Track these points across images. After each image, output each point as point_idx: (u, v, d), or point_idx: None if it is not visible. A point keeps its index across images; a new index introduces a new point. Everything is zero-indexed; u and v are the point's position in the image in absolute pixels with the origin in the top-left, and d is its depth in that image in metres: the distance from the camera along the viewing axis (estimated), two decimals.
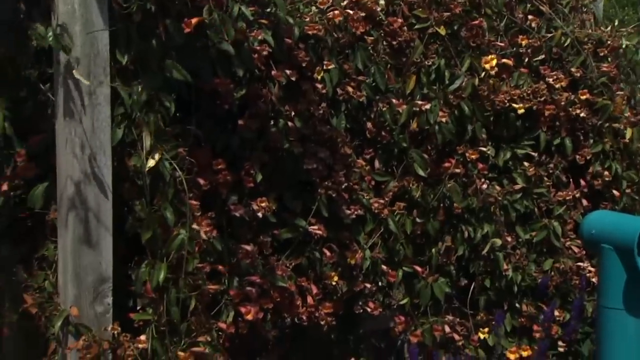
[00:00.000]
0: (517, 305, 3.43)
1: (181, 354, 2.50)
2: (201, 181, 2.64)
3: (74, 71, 2.27)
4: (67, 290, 2.40)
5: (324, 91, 3.07)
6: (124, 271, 2.55)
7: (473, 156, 3.33)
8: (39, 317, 2.47)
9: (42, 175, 2.52)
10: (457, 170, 3.31)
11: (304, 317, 2.96)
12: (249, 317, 2.78)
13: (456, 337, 3.26)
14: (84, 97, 2.29)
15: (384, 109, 3.23)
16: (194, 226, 2.53)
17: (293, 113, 2.94)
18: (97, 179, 2.36)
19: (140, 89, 2.42)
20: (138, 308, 2.54)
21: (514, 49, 3.55)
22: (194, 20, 2.47)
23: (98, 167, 2.35)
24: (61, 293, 2.43)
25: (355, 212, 3.12)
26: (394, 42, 3.30)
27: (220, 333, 2.69)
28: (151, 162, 2.43)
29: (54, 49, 2.28)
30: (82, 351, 2.36)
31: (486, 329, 3.35)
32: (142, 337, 2.45)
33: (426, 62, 3.34)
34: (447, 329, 3.25)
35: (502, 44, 3.51)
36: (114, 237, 2.45)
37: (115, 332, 2.43)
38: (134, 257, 2.56)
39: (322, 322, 3.00)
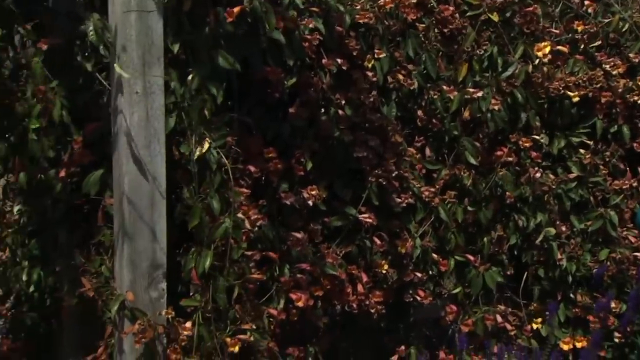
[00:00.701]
0: (571, 295, 3.39)
1: (228, 340, 2.54)
2: (252, 169, 2.68)
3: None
4: (123, 275, 2.46)
5: (374, 79, 3.08)
6: (175, 257, 2.61)
7: (526, 144, 3.30)
8: (96, 301, 2.53)
9: (98, 162, 2.58)
10: (510, 159, 3.29)
11: (354, 305, 2.98)
12: (300, 304, 2.81)
13: (508, 326, 3.25)
14: (139, 87, 2.33)
15: (435, 96, 3.23)
16: (239, 215, 2.56)
17: (343, 101, 2.96)
18: (151, 167, 2.40)
19: (190, 78, 2.46)
20: (191, 294, 2.60)
21: (570, 35, 3.51)
22: (236, 10, 2.50)
23: (152, 155, 2.40)
24: (117, 278, 2.48)
25: (406, 201, 3.13)
26: (446, 30, 3.30)
27: (271, 319, 2.73)
28: (199, 151, 2.48)
29: (111, 40, 2.35)
30: (137, 335, 2.40)
31: (539, 319, 3.32)
32: (188, 324, 2.50)
33: (478, 50, 3.33)
34: (499, 318, 3.23)
35: (556, 31, 3.48)
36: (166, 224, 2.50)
37: (169, 316, 2.48)
38: (183, 244, 2.61)
39: (372, 310, 3.01)
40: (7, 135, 2.76)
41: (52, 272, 2.93)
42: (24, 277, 2.97)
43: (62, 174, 2.66)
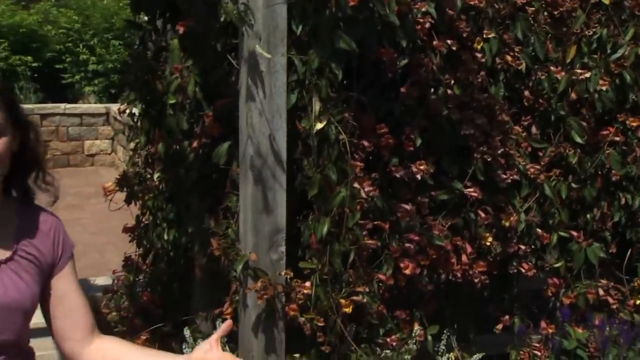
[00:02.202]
0: None
1: (342, 301, 2.58)
2: (365, 144, 2.71)
3: (256, 46, 2.38)
4: (247, 238, 2.54)
5: (483, 60, 3.06)
6: (294, 224, 2.67)
7: (634, 124, 3.20)
8: (223, 261, 2.62)
9: (226, 135, 2.67)
10: (617, 138, 3.20)
11: (459, 274, 2.98)
12: (407, 271, 2.84)
13: (610, 300, 3.17)
14: (263, 66, 2.40)
15: (543, 77, 3.17)
16: (355, 185, 2.59)
17: (452, 81, 2.95)
18: (273, 140, 2.47)
19: (312, 58, 2.51)
20: (307, 258, 2.66)
21: None
22: None
23: (274, 129, 2.47)
24: (242, 240, 2.57)
25: (511, 177, 3.10)
26: (555, 12, 3.22)
27: (380, 284, 2.77)
28: (319, 125, 2.52)
29: (239, 24, 2.43)
30: (259, 292, 2.49)
31: None
32: (307, 284, 2.57)
33: (587, 32, 3.24)
34: (601, 291, 3.16)
35: None
36: (286, 192, 2.56)
37: (288, 277, 2.56)
38: (302, 211, 2.67)
39: (476, 280, 3.01)
40: (149, 110, 2.91)
41: (185, 233, 3.05)
42: (165, 237, 3.12)
43: (195, 145, 2.76)
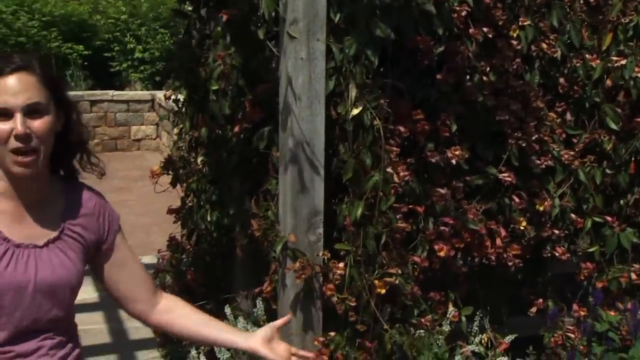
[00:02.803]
0: None
1: (376, 282, 2.59)
2: (401, 129, 2.71)
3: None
4: (286, 220, 2.56)
5: (518, 47, 3.02)
6: (331, 207, 2.68)
7: None
8: (263, 242, 2.65)
9: (266, 120, 2.69)
10: None
11: (493, 258, 2.97)
12: (442, 253, 2.83)
13: None
14: (303, 53, 2.41)
15: (578, 64, 3.12)
16: (389, 170, 2.59)
17: (488, 68, 2.93)
18: (312, 124, 2.48)
19: (349, 45, 2.51)
20: (344, 240, 2.68)
21: None
22: None
23: (313, 114, 2.47)
24: (281, 222, 2.59)
25: (545, 163, 3.07)
26: (591, 0, 3.16)
27: (415, 266, 2.77)
28: (355, 111, 2.52)
29: (280, 12, 2.44)
30: (298, 272, 2.51)
31: None
32: (341, 265, 2.57)
33: (623, 20, 3.17)
34: (634, 276, 3.12)
35: None
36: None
37: (325, 258, 2.57)
38: (338, 194, 2.68)
39: (510, 263, 2.99)
40: (193, 96, 2.93)
41: (227, 215, 3.08)
42: (208, 218, 3.16)
43: (236, 129, 2.78)
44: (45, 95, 1.52)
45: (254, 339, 1.71)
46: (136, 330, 3.16)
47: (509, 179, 2.97)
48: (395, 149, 2.66)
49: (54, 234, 1.60)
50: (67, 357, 1.63)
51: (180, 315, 1.75)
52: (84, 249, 1.65)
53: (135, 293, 1.71)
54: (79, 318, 1.68)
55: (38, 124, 1.49)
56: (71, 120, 1.62)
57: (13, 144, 1.47)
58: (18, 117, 1.47)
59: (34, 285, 1.54)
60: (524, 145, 2.98)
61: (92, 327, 3.20)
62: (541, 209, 3.04)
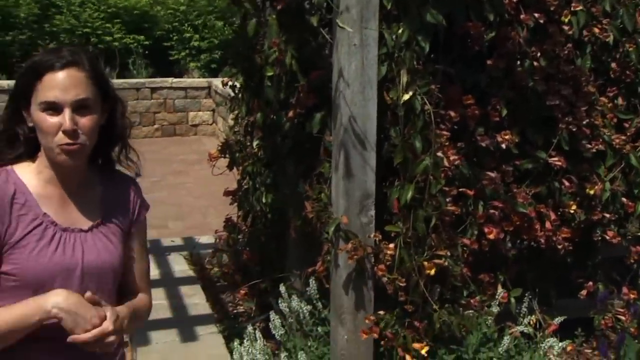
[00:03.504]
0: None
1: (425, 263, 2.57)
2: (452, 114, 2.67)
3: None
4: (339, 202, 2.55)
5: (570, 33, 2.94)
6: (382, 190, 2.66)
7: None
8: (316, 223, 2.65)
9: (320, 105, 2.68)
10: None
11: (542, 241, 2.92)
12: (491, 236, 2.80)
13: None
14: (356, 39, 2.39)
15: (630, 49, 3.03)
16: (439, 154, 2.55)
17: (539, 53, 2.86)
18: (364, 109, 2.46)
19: (401, 31, 2.48)
20: (394, 222, 2.65)
21: None
22: None
23: (365, 99, 2.45)
24: (334, 204, 2.58)
25: (596, 147, 2.99)
26: None
27: (464, 248, 2.74)
28: (406, 96, 2.49)
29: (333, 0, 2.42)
30: (350, 253, 2.50)
31: None
32: (391, 246, 2.55)
33: None
34: None
35: None
36: None
37: (377, 239, 2.56)
38: (389, 178, 2.66)
39: (559, 247, 2.94)
40: (249, 83, 2.94)
41: (282, 197, 3.10)
42: (263, 200, 3.18)
43: (290, 114, 2.78)
44: (93, 91, 1.53)
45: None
46: (195, 306, 3.22)
47: (559, 163, 2.91)
48: (445, 133, 2.63)
49: (97, 219, 1.61)
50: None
51: None
52: (123, 233, 1.66)
53: (124, 283, 1.68)
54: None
55: (85, 120, 1.51)
56: (115, 114, 1.63)
57: (61, 139, 1.49)
58: (67, 112, 1.48)
59: (81, 269, 1.56)
60: (574, 129, 2.91)
61: (154, 303, 3.26)
62: (591, 192, 2.97)
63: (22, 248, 1.49)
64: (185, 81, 10.39)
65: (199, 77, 10.80)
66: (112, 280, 1.61)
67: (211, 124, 10.37)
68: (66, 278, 1.53)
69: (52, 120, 1.49)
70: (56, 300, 1.46)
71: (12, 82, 9.97)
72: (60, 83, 1.50)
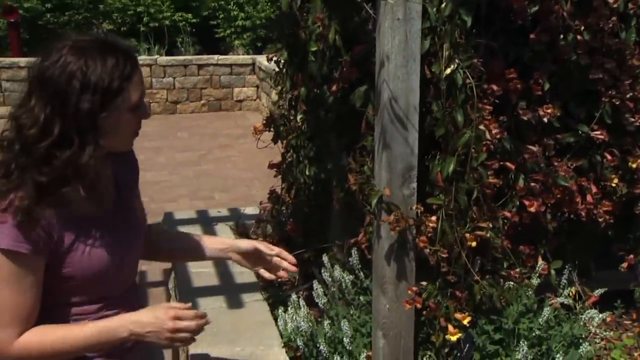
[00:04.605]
0: None
1: (467, 235, 2.51)
2: (494, 88, 2.59)
3: None
4: (381, 174, 2.50)
5: (615, 6, 2.80)
6: (424, 163, 2.61)
7: None
8: (359, 195, 2.60)
9: (362, 79, 2.62)
10: None
11: (583, 214, 2.83)
12: (532, 209, 2.72)
13: None
14: (400, 13, 2.31)
15: None
16: (481, 127, 2.48)
17: (582, 27, 2.74)
18: (407, 84, 2.38)
19: (444, 5, 2.40)
20: (437, 194, 2.59)
21: None
22: None
23: (408, 73, 2.38)
24: (376, 177, 2.53)
25: (639, 121, 2.86)
26: None
27: (505, 220, 2.67)
28: (448, 70, 2.42)
29: None
30: (392, 224, 2.45)
31: None
32: (433, 218, 2.50)
33: None
34: None
35: None
36: None
37: (418, 211, 2.50)
38: (431, 151, 2.60)
39: (600, 220, 2.84)
40: (293, 58, 2.89)
41: (325, 169, 3.06)
42: (307, 172, 3.14)
43: (334, 88, 2.73)
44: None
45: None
46: (241, 274, 3.21)
47: (602, 136, 2.80)
48: (487, 107, 2.55)
49: (118, 199, 1.62)
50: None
51: (169, 249, 1.87)
52: (134, 195, 1.72)
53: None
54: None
55: None
56: None
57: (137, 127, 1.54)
58: (145, 104, 1.53)
59: (127, 254, 1.59)
60: (617, 103, 2.79)
61: (202, 271, 3.28)
62: (634, 166, 2.86)
63: (74, 252, 1.48)
64: (231, 58, 10.39)
65: (243, 54, 10.79)
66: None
67: (255, 100, 10.38)
68: (118, 264, 1.56)
69: (136, 116, 1.51)
70: (131, 328, 1.49)
71: None
72: (141, 80, 1.50)
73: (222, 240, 1.95)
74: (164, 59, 9.73)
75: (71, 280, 1.48)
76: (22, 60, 9.17)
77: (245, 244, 1.92)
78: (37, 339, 1.42)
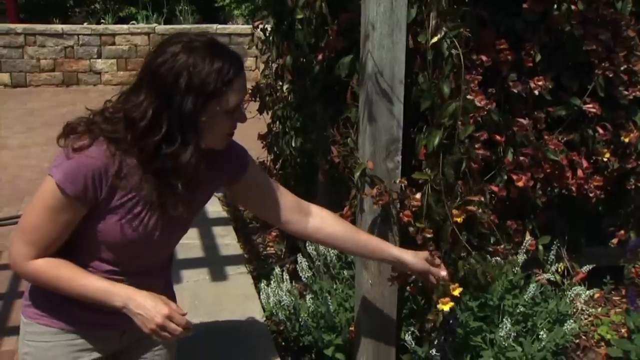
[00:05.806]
0: None
1: (455, 211, 2.43)
2: (484, 58, 2.50)
3: None
4: (365, 147, 2.42)
5: None
6: (410, 135, 2.52)
7: None
8: (343, 168, 2.54)
9: (349, 48, 2.53)
10: None
11: (573, 188, 2.75)
12: (520, 183, 2.65)
13: None
14: None
15: None
16: (468, 97, 2.38)
17: None
18: (392, 52, 2.29)
19: None
20: (423, 169, 2.52)
21: None
22: None
23: (394, 42, 2.28)
24: (360, 149, 2.46)
25: (633, 94, 2.76)
26: None
27: (492, 195, 2.60)
28: (434, 39, 2.31)
29: None
30: (375, 198, 2.39)
31: None
32: (417, 195, 2.42)
33: None
34: None
35: None
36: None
37: (402, 185, 2.43)
38: (417, 123, 2.51)
39: (591, 195, 2.76)
40: (280, 26, 2.79)
41: (311, 141, 2.98)
42: (293, 144, 3.07)
43: (320, 57, 2.65)
44: None
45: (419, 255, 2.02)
46: (226, 247, 3.16)
47: (594, 110, 2.71)
48: (477, 77, 2.46)
49: (188, 190, 1.64)
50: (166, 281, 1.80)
51: (328, 235, 1.95)
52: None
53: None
54: None
55: None
56: None
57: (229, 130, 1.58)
58: (242, 108, 1.55)
59: (157, 242, 1.62)
60: (611, 75, 2.69)
61: (188, 242, 3.23)
62: (626, 140, 2.77)
63: (113, 214, 1.54)
64: (230, 28, 10.23)
65: (242, 24, 10.64)
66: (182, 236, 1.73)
67: (254, 70, 10.25)
68: (144, 246, 1.61)
69: (232, 119, 1.53)
70: (127, 303, 1.54)
71: (66, 27, 9.95)
72: (243, 85, 1.52)
73: (389, 250, 2.09)
74: (162, 28, 9.59)
75: (98, 234, 1.56)
76: (19, 27, 9.03)
77: (419, 265, 2.08)
78: (49, 268, 1.54)
